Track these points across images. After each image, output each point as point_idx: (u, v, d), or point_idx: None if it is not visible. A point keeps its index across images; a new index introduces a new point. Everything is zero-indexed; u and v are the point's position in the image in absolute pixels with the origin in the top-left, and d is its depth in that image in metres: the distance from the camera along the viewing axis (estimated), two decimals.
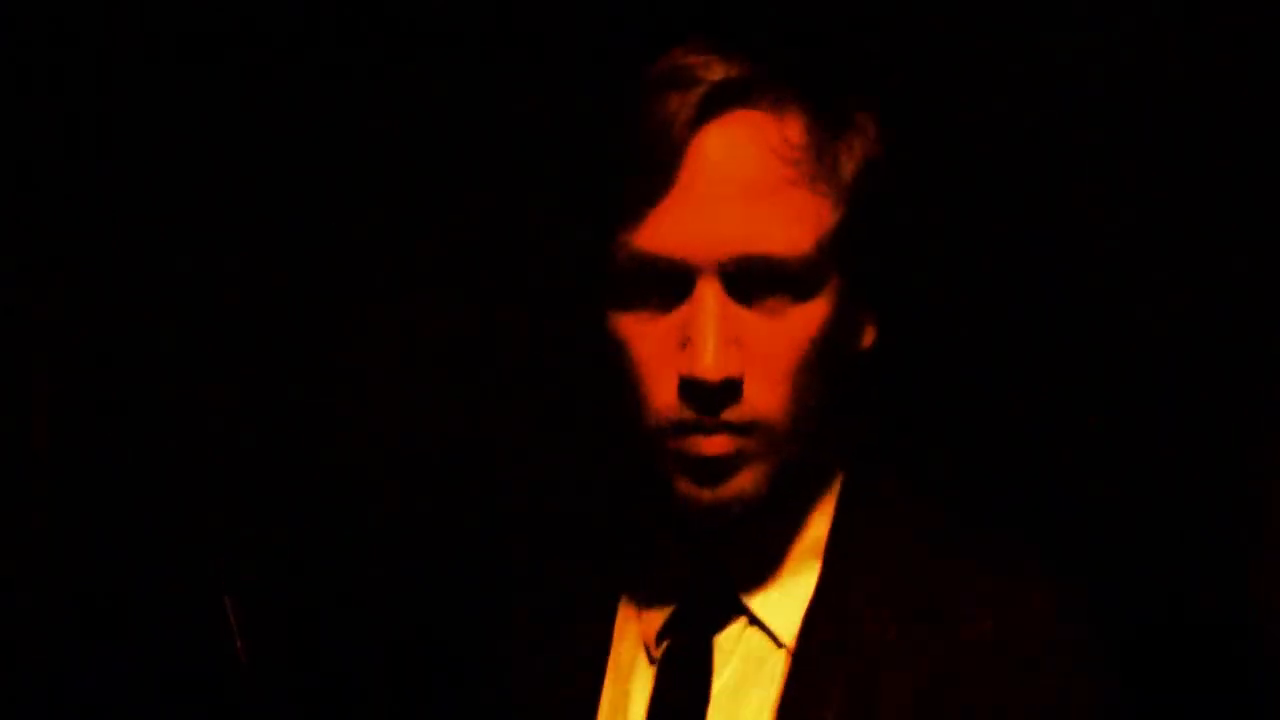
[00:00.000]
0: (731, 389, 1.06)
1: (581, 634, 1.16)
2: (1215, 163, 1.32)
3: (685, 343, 1.07)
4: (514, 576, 1.22)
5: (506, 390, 1.47)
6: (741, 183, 1.07)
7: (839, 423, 1.12)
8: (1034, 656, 1.06)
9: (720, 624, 1.12)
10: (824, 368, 1.09)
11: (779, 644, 1.10)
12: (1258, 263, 1.31)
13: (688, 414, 1.07)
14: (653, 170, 1.07)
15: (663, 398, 1.07)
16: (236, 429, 1.41)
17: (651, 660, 1.13)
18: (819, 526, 1.14)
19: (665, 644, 1.12)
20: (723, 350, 1.06)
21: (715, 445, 1.07)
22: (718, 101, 1.07)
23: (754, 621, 1.12)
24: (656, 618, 1.14)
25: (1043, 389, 1.38)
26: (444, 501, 1.43)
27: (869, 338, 1.14)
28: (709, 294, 1.06)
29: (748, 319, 1.07)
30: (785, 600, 1.12)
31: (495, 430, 1.47)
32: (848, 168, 1.10)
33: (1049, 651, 1.06)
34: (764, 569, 1.13)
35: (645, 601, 1.15)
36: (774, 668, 1.10)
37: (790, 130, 1.08)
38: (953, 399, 1.40)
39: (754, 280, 1.07)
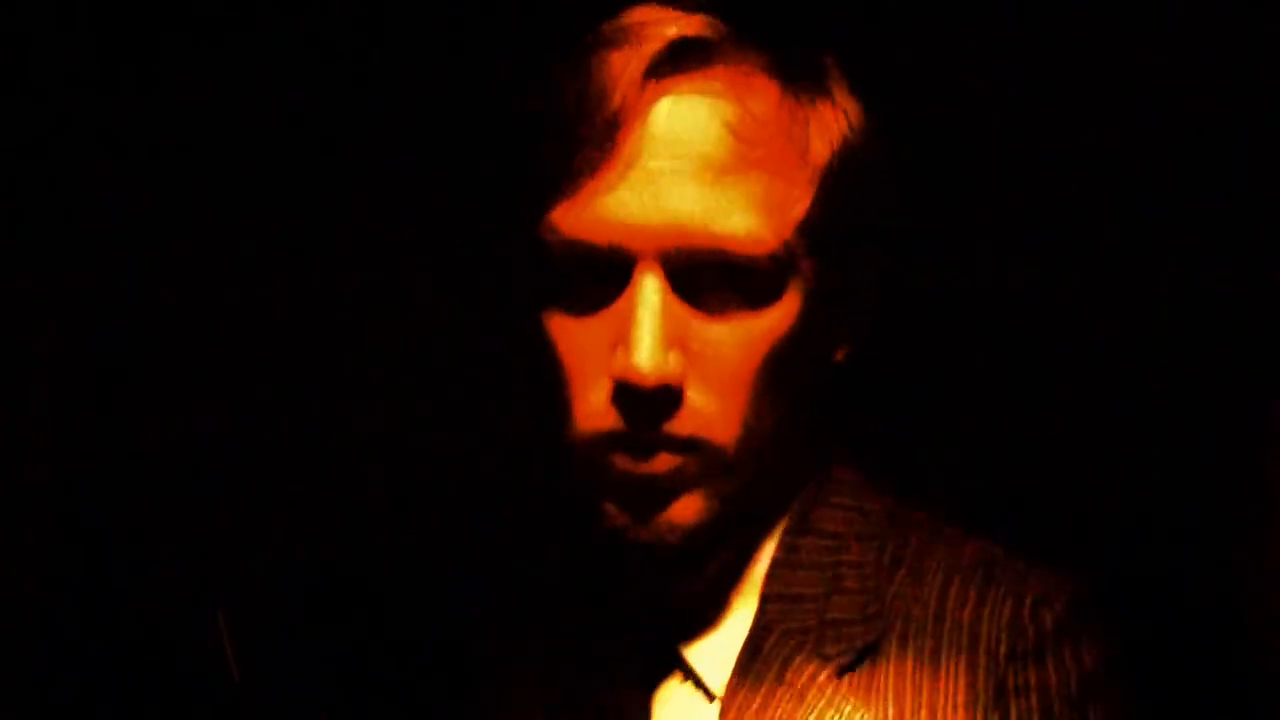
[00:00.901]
0: (670, 397, 0.91)
1: (538, 680, 1.00)
2: (1218, 154, 1.31)
3: (619, 342, 0.92)
4: (477, 612, 1.06)
5: (438, 399, 1.38)
6: (694, 159, 0.91)
7: (801, 446, 0.99)
8: (1004, 686, 0.95)
9: (659, 676, 0.98)
10: (784, 382, 0.94)
11: (711, 697, 0.97)
12: (1258, 257, 1.31)
13: (619, 424, 0.92)
14: (589, 138, 0.91)
15: (591, 405, 0.92)
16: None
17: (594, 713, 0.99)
18: (767, 561, 1.00)
19: (599, 696, 0.99)
20: (661, 350, 0.90)
21: (649, 464, 0.92)
22: (671, 62, 0.92)
23: (688, 673, 0.98)
24: (597, 665, 0.99)
25: (1034, 393, 1.35)
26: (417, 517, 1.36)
27: (841, 350, 1.01)
28: (649, 286, 0.91)
29: (694, 320, 0.92)
30: (720, 648, 0.98)
31: (427, 447, 1.38)
32: (820, 149, 0.95)
33: (1018, 681, 0.95)
34: (703, 613, 0.99)
35: (587, 647, 1.00)
36: None
37: (755, 102, 0.93)
38: (936, 407, 1.35)
39: (703, 275, 0.92)
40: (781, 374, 0.94)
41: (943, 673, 0.96)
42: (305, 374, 1.39)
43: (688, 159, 0.92)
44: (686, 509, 0.93)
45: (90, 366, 1.38)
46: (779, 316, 0.94)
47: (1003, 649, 0.96)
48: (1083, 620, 0.98)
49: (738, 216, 0.92)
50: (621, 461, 0.93)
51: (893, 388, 1.31)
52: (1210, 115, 1.30)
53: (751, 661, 0.97)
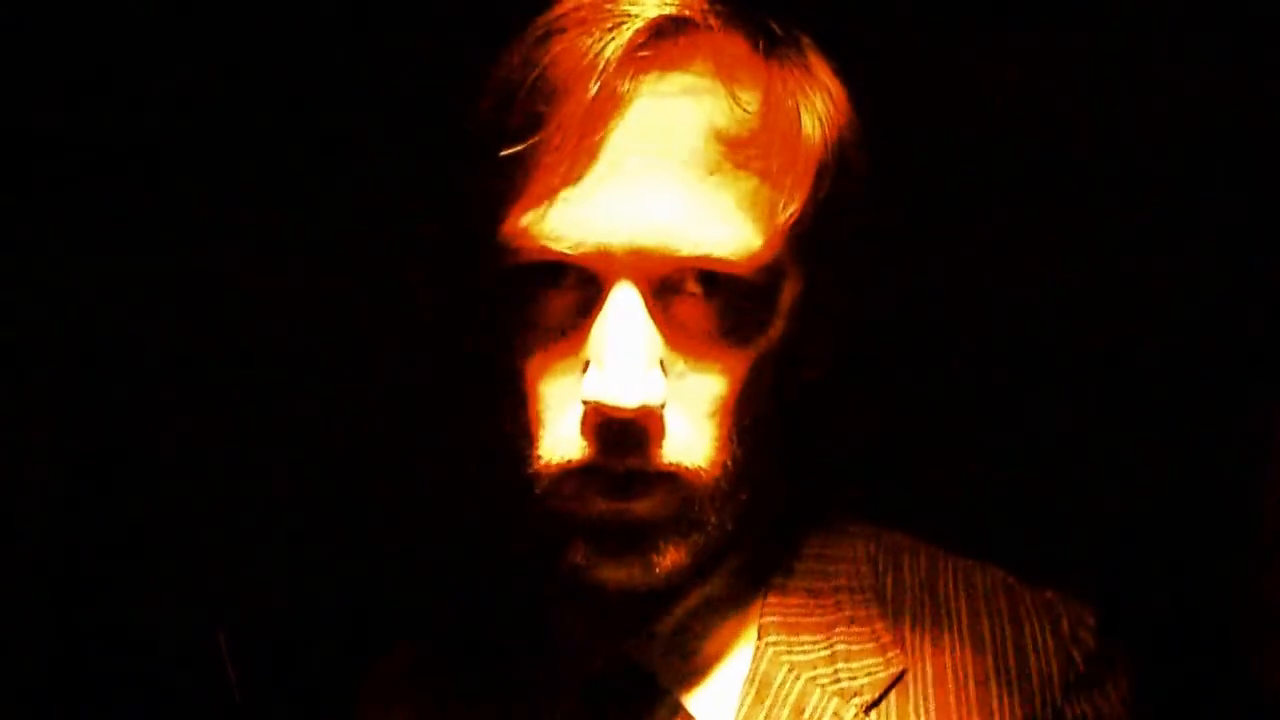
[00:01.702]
0: (650, 424, 0.80)
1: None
2: (1223, 163, 1.30)
3: (592, 362, 0.81)
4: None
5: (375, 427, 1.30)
6: (678, 156, 0.81)
7: (782, 466, 0.92)
8: (1061, 718, 0.88)
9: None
10: (771, 403, 0.86)
11: None
12: (1258, 259, 1.30)
13: (592, 456, 0.81)
14: (558, 132, 0.80)
15: (560, 435, 0.82)
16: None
17: None
18: (755, 591, 0.91)
19: None
20: (641, 371, 0.79)
21: (627, 503, 0.81)
22: (653, 45, 0.82)
23: (675, 710, 0.88)
24: (572, 713, 0.89)
25: (1033, 410, 1.33)
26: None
27: (827, 364, 0.92)
28: (625, 299, 0.80)
29: (674, 337, 0.82)
30: (716, 686, 0.88)
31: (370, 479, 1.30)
32: (811, 141, 0.86)
33: (1075, 712, 0.89)
34: (692, 652, 0.89)
35: (556, 694, 0.89)
36: None
37: (745, 92, 0.83)
38: (925, 416, 1.31)
39: (685, 287, 0.83)
40: (769, 393, 0.87)
41: (995, 706, 0.88)
42: (306, 384, 1.37)
43: (671, 157, 0.81)
44: (667, 549, 0.84)
45: (90, 375, 1.37)
46: (768, 332, 0.86)
47: (1055, 680, 0.90)
48: (1114, 643, 0.93)
49: (725, 223, 0.82)
50: (595, 499, 0.82)
51: (879, 396, 1.29)
52: (1211, 115, 1.29)
53: (761, 701, 0.87)
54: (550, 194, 0.81)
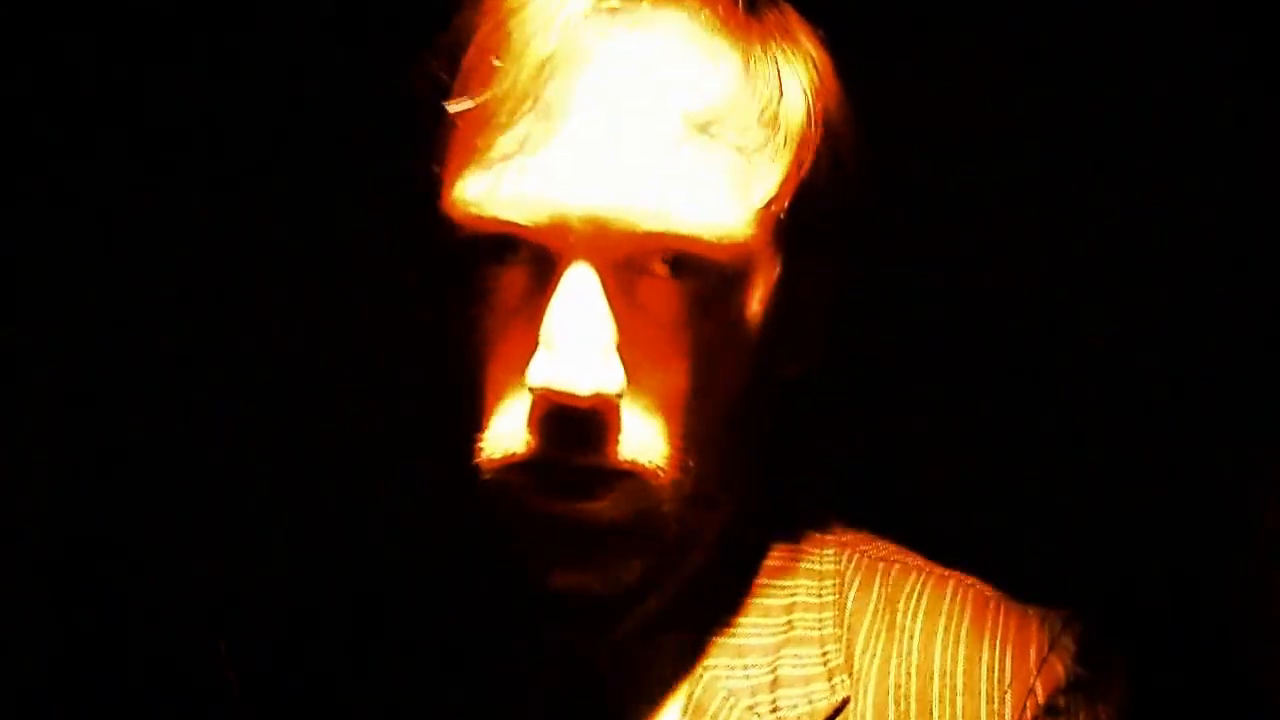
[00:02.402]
0: (605, 416, 0.73)
1: None
2: (1223, 163, 1.28)
3: (542, 347, 0.72)
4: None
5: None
6: (644, 122, 0.72)
7: (749, 470, 0.85)
8: None
9: None
10: (738, 399, 0.78)
11: None
12: (1256, 262, 1.29)
13: (540, 450, 0.73)
14: (513, 91, 0.71)
15: (506, 426, 0.74)
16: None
17: None
18: (706, 606, 0.84)
19: None
20: (597, 358, 0.72)
21: (579, 504, 0.74)
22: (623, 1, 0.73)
23: None
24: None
25: (1032, 411, 1.31)
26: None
27: (800, 362, 0.85)
28: (582, 279, 0.72)
29: (634, 323, 0.75)
30: (663, 714, 0.81)
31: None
32: (793, 115, 0.78)
33: None
34: (644, 667, 0.82)
35: (511, 701, 0.83)
36: None
37: (722, 56, 0.75)
38: (926, 425, 1.29)
39: (648, 267, 0.75)
40: (741, 390, 0.79)
41: None
42: (307, 383, 1.36)
43: (637, 122, 0.73)
44: (625, 554, 0.76)
45: (90, 375, 1.37)
46: (741, 323, 0.78)
47: (1009, 712, 0.81)
48: (1096, 667, 0.85)
49: (694, 198, 0.74)
50: (542, 498, 0.75)
51: (875, 395, 1.28)
52: (1211, 114, 1.28)
53: None
54: (503, 158, 0.72)
